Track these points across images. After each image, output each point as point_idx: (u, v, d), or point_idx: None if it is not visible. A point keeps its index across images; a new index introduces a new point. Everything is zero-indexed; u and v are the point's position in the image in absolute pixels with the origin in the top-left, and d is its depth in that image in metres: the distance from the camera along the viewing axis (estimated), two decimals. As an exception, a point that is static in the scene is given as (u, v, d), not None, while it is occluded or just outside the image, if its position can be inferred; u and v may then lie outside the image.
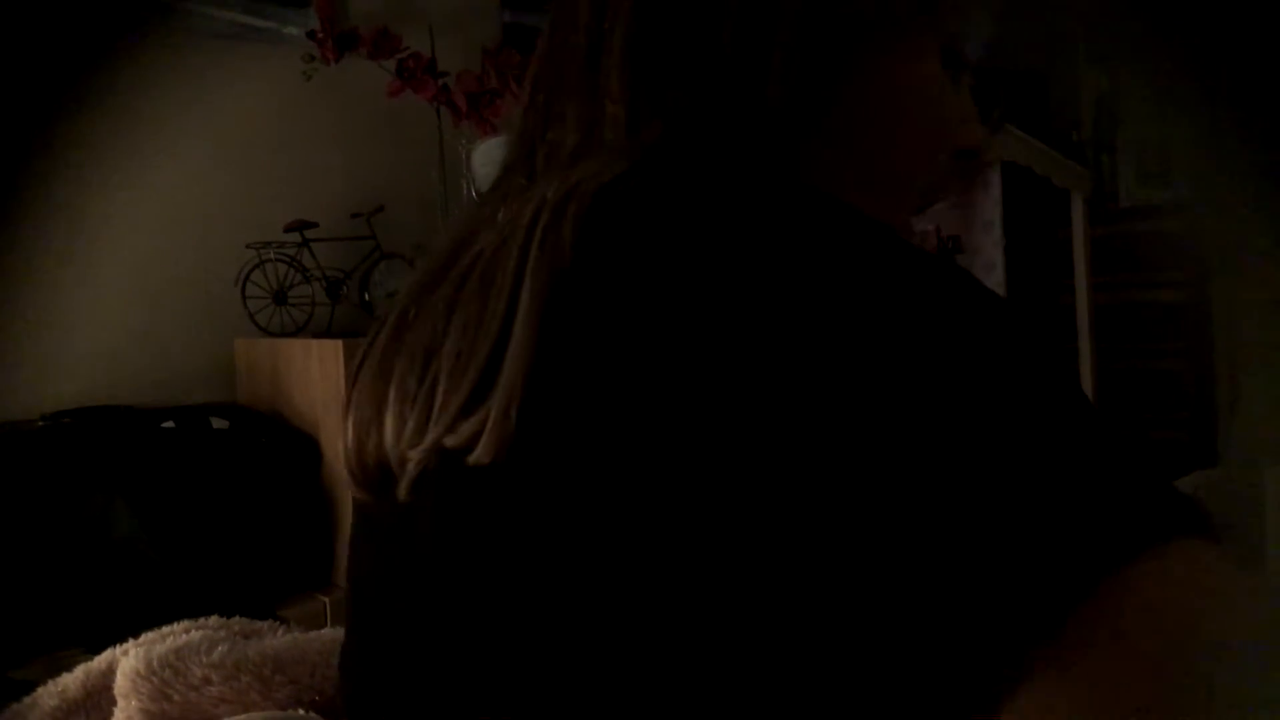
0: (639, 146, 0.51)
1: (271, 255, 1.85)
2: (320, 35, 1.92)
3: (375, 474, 0.52)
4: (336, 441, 0.61)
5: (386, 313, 0.58)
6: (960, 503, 0.38)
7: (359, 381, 0.56)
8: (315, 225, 1.88)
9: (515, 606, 0.45)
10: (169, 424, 1.65)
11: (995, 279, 2.46)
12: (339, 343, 1.64)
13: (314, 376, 1.71)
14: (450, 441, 0.46)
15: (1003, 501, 0.38)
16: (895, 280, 0.42)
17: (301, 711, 0.67)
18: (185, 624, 0.77)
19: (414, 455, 0.48)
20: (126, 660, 0.70)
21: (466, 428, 0.45)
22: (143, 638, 0.75)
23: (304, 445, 1.71)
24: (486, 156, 1.85)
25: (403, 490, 0.50)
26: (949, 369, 0.40)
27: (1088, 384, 2.60)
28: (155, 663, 0.68)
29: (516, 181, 0.56)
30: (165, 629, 0.76)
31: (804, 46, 0.53)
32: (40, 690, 0.76)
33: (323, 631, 0.78)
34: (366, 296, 1.91)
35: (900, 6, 0.57)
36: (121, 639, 0.76)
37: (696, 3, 0.53)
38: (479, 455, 0.45)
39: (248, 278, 1.84)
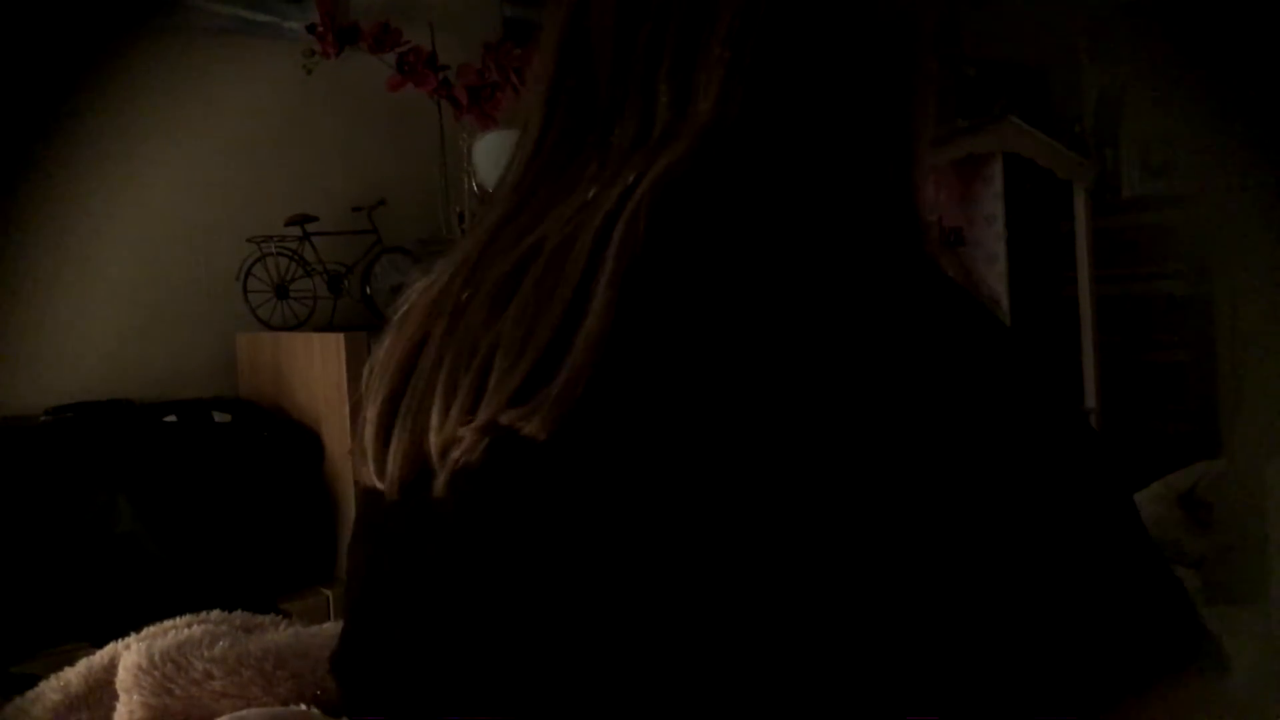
0: (705, 140, 0.51)
1: (273, 249, 1.85)
2: (321, 29, 1.92)
3: (406, 467, 0.52)
4: (338, 436, 0.61)
5: (402, 308, 0.58)
6: (1008, 580, 0.42)
7: (383, 376, 0.56)
8: (316, 219, 1.88)
9: (555, 594, 0.45)
10: (171, 418, 1.66)
11: (997, 271, 2.46)
12: (340, 336, 1.64)
13: (316, 370, 1.71)
14: (506, 418, 0.46)
15: (1052, 591, 0.42)
16: (961, 312, 0.46)
17: (303, 706, 0.67)
18: (187, 618, 0.77)
19: (464, 434, 0.48)
20: (129, 655, 0.70)
21: (526, 405, 0.46)
22: (145, 632, 0.75)
23: (306, 439, 1.71)
24: (487, 150, 1.85)
25: (440, 484, 0.49)
26: (1017, 437, 0.44)
27: (1091, 377, 2.59)
28: (157, 657, 0.69)
29: (564, 174, 0.55)
30: (167, 623, 0.76)
31: (855, 56, 0.54)
32: (43, 684, 0.76)
33: (325, 626, 0.78)
34: (368, 290, 1.91)
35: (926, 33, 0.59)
36: (124, 633, 0.76)
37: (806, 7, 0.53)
38: (534, 429, 0.45)
39: (249, 272, 1.84)
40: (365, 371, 0.59)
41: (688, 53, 0.52)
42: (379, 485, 0.55)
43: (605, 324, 0.45)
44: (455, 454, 0.49)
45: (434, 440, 0.50)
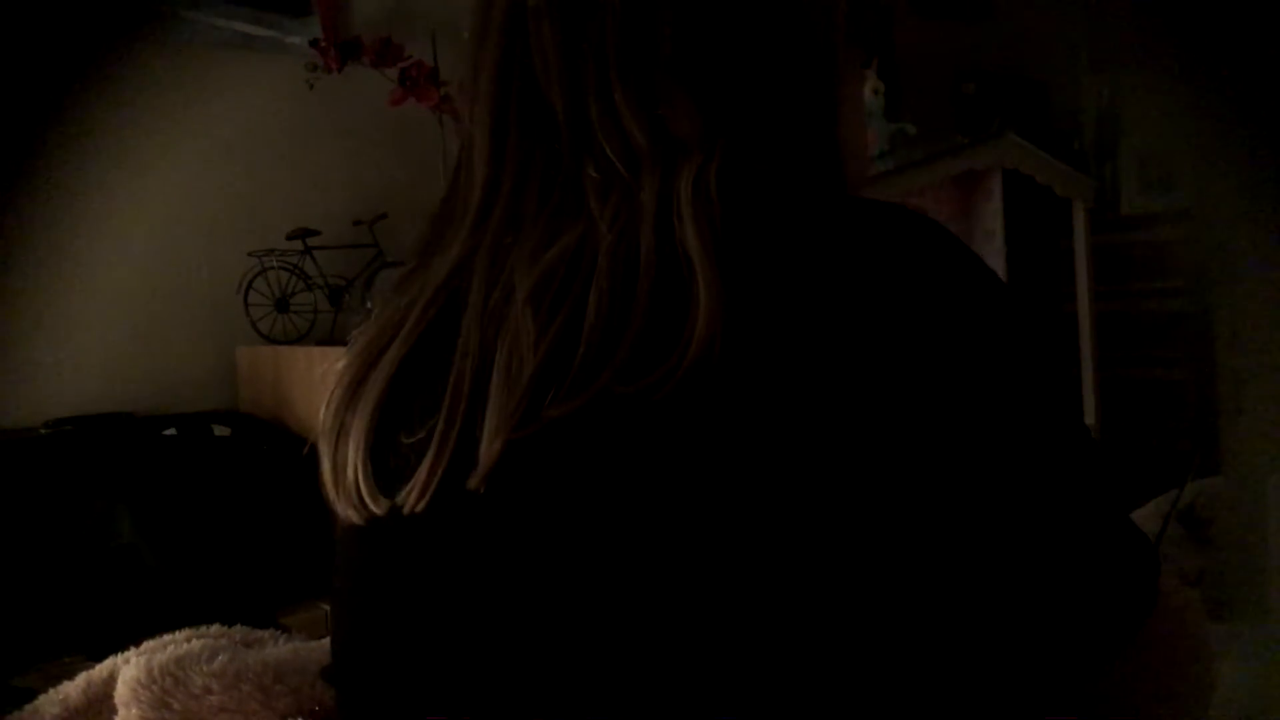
0: (708, 147, 0.55)
1: (274, 263, 1.85)
2: (323, 44, 1.93)
3: (435, 476, 0.52)
4: (324, 466, 0.60)
5: (367, 333, 0.59)
6: (1044, 522, 0.50)
7: (357, 404, 0.57)
8: (318, 233, 1.89)
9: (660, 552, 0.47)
10: (171, 431, 1.65)
11: (997, 287, 2.46)
12: (341, 350, 1.64)
13: (316, 384, 1.71)
14: (622, 388, 0.48)
15: (1077, 529, 0.51)
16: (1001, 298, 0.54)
17: (302, 720, 0.67)
18: (186, 632, 0.77)
19: (553, 413, 0.49)
20: (128, 668, 0.70)
21: (651, 375, 0.48)
22: (144, 646, 0.75)
23: (309, 454, 1.70)
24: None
25: (478, 478, 0.50)
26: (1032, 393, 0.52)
27: (1090, 393, 2.60)
28: (156, 671, 0.69)
29: (551, 194, 0.57)
30: (166, 637, 0.76)
31: (821, 63, 0.62)
32: (42, 698, 0.76)
33: (324, 641, 0.78)
34: (369, 304, 1.91)
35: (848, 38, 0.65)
36: (123, 647, 0.76)
37: (735, 13, 0.58)
38: (664, 394, 0.47)
39: (250, 285, 1.84)
40: (325, 410, 0.60)
41: (639, 66, 0.57)
42: (375, 510, 0.55)
43: (719, 298, 0.48)
44: (526, 439, 0.50)
45: (494, 430, 0.50)
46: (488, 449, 0.50)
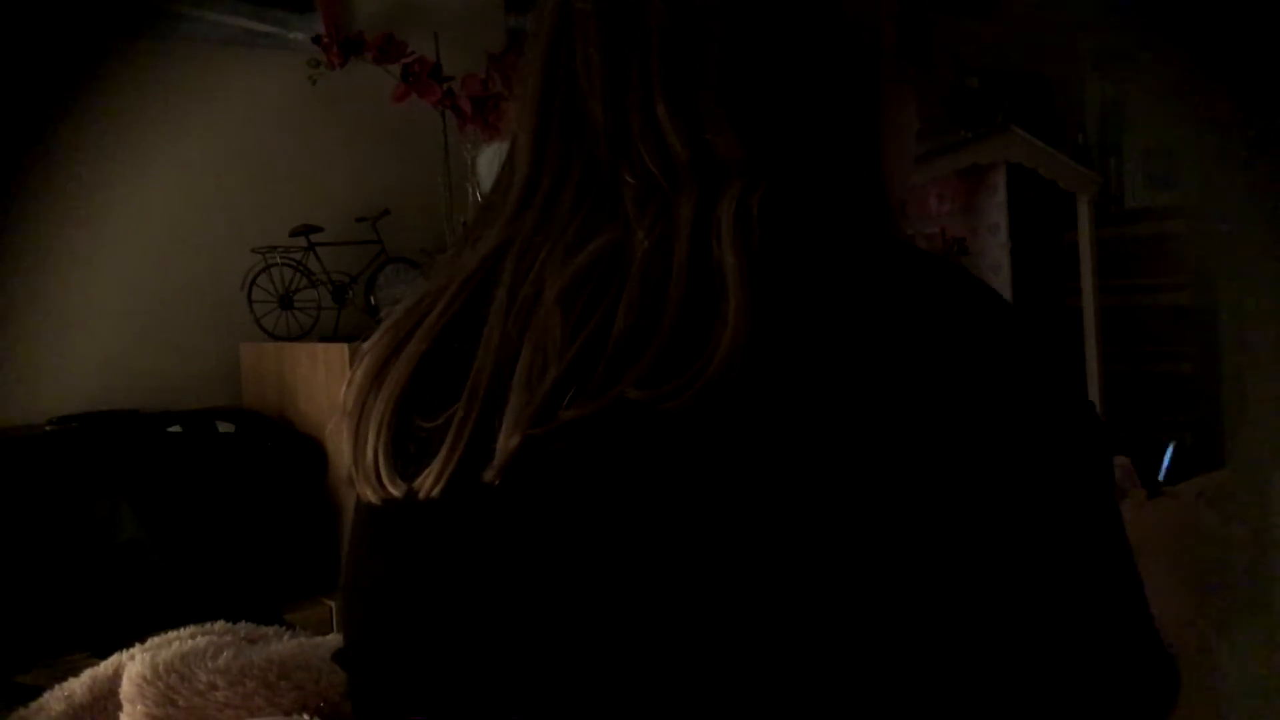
0: (751, 168, 0.55)
1: (277, 259, 1.85)
2: (325, 40, 1.93)
3: (457, 462, 0.53)
4: (343, 446, 0.61)
5: (390, 321, 0.59)
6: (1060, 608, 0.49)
7: (381, 386, 0.57)
8: (321, 230, 1.88)
9: (668, 561, 0.47)
10: (175, 428, 1.66)
11: (1001, 282, 2.45)
12: (344, 347, 1.64)
13: (320, 380, 1.71)
14: (638, 395, 0.49)
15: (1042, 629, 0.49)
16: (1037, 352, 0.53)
17: (306, 717, 0.67)
18: (191, 629, 0.77)
19: (570, 414, 0.50)
20: (132, 665, 0.70)
21: (667, 384, 0.48)
22: (149, 643, 0.75)
23: (310, 449, 1.71)
24: (491, 160, 1.85)
25: (494, 471, 0.51)
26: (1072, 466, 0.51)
27: (1094, 387, 2.59)
28: (161, 668, 0.69)
29: (586, 200, 0.58)
30: (171, 634, 0.76)
31: (867, 90, 0.61)
32: (47, 695, 0.76)
33: (329, 637, 0.78)
34: (372, 300, 1.91)
35: (900, 52, 0.65)
36: (128, 644, 0.76)
37: (781, 38, 0.58)
38: (678, 405, 0.48)
39: (254, 282, 1.84)
40: (350, 385, 0.60)
41: (682, 84, 0.57)
42: (393, 492, 0.55)
43: (747, 319, 0.49)
44: (543, 436, 0.50)
45: (512, 426, 0.51)
46: (504, 443, 0.51)
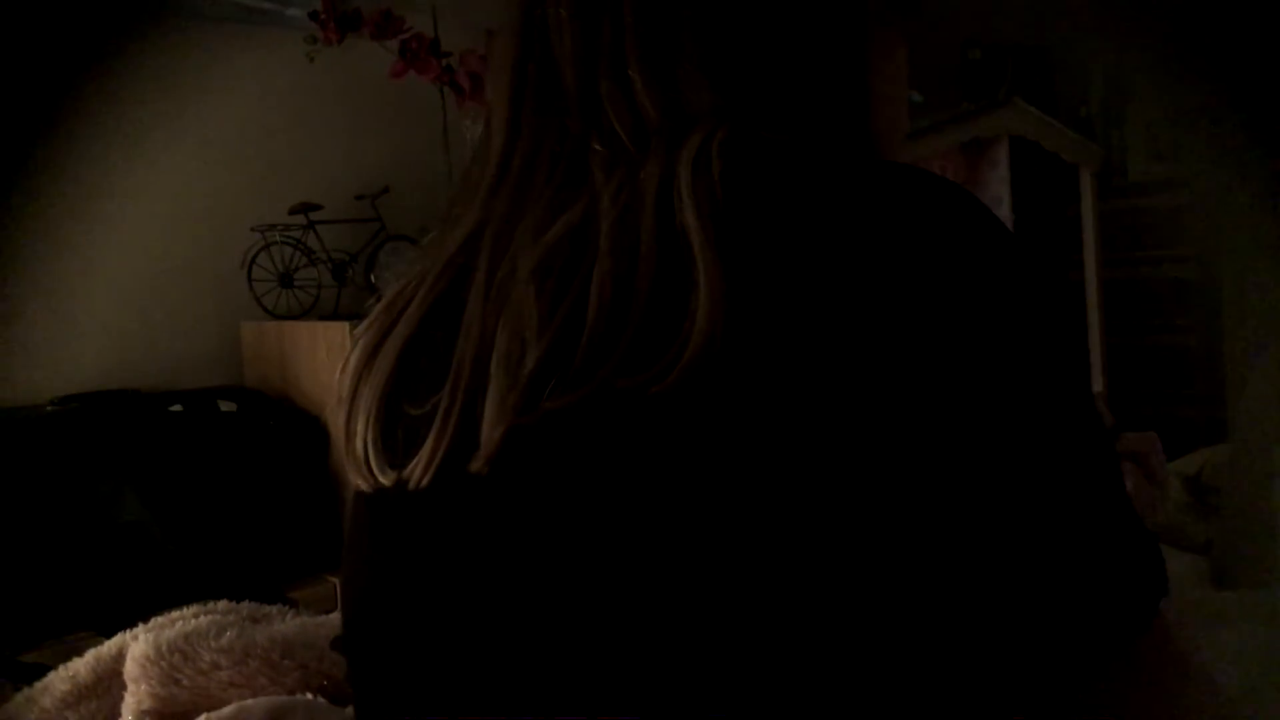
0: (718, 123, 0.53)
1: (277, 238, 1.84)
2: (323, 17, 1.91)
3: (445, 450, 0.52)
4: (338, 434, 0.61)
5: (380, 308, 0.59)
6: (1050, 517, 0.49)
7: (371, 373, 0.57)
8: (320, 208, 1.88)
9: (658, 549, 0.46)
10: (177, 408, 1.66)
11: (1003, 256, 2.44)
12: (345, 325, 1.64)
13: (321, 359, 1.71)
14: (625, 381, 0.47)
15: (1085, 528, 0.49)
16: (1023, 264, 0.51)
17: (310, 696, 0.67)
18: (194, 608, 0.77)
19: (553, 405, 0.48)
20: (136, 645, 0.71)
21: (651, 368, 0.47)
22: (152, 622, 0.75)
23: (311, 428, 1.71)
24: (491, 137, 1.84)
25: (481, 461, 0.50)
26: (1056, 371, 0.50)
27: (1097, 361, 2.59)
28: (164, 647, 0.69)
29: (555, 168, 0.57)
30: (174, 613, 0.76)
31: (843, 28, 0.59)
32: (52, 675, 0.76)
33: (331, 616, 0.78)
34: (372, 278, 1.90)
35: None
36: (131, 623, 0.77)
37: None
38: (665, 387, 0.46)
39: (254, 261, 1.84)
40: (343, 374, 0.60)
41: (656, 44, 0.55)
42: (383, 481, 0.55)
43: (720, 285, 0.47)
44: (529, 426, 0.49)
45: (495, 416, 0.50)
46: (489, 434, 0.50)
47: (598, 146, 0.55)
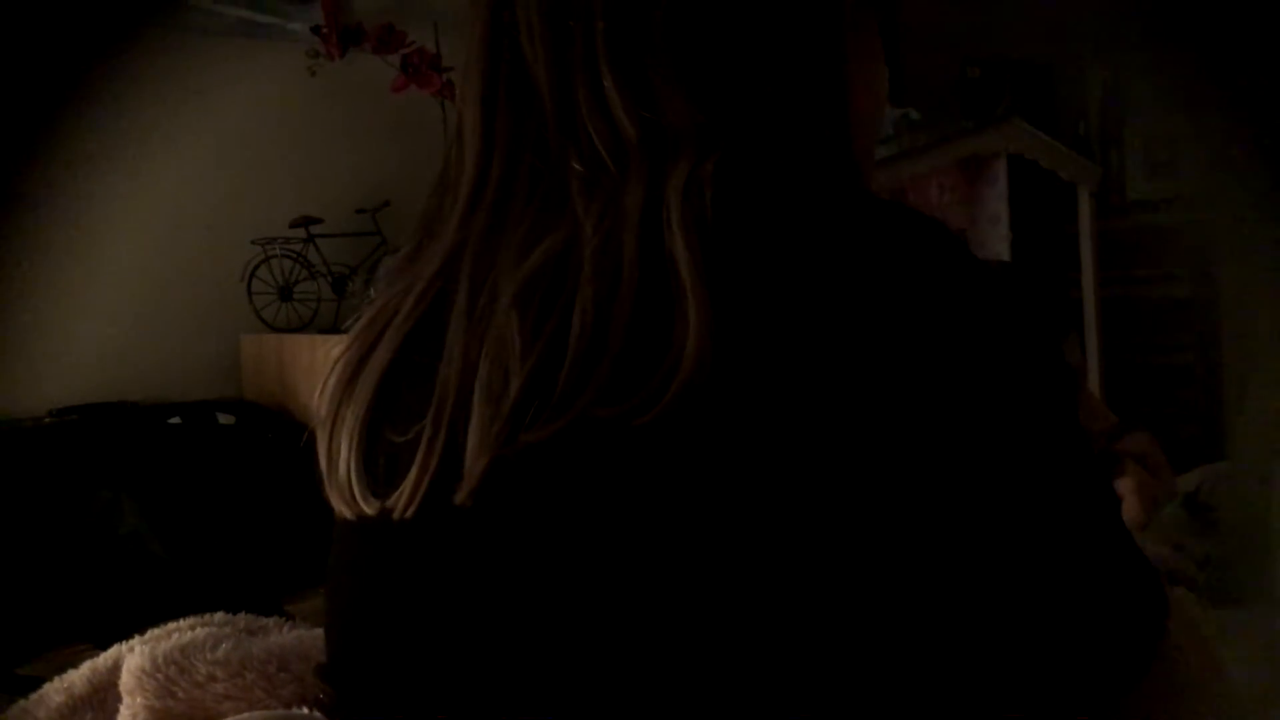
0: (703, 144, 0.52)
1: (277, 251, 1.85)
2: (324, 31, 1.92)
3: (430, 479, 0.51)
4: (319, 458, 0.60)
5: (356, 333, 0.58)
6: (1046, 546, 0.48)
7: (351, 400, 0.56)
8: (320, 221, 1.88)
9: (649, 579, 0.46)
10: (175, 420, 1.66)
11: (1002, 273, 2.45)
12: (344, 338, 1.64)
13: (320, 372, 1.70)
14: (607, 411, 0.46)
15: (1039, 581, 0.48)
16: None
17: (306, 709, 0.67)
18: (191, 620, 0.77)
19: (532, 437, 0.48)
20: (132, 657, 0.70)
21: (633, 397, 0.46)
22: (148, 634, 0.75)
23: (310, 440, 1.71)
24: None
25: (464, 494, 0.49)
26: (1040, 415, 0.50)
27: (1095, 379, 2.59)
28: (160, 660, 0.68)
29: (533, 192, 0.55)
30: (171, 625, 0.76)
31: (821, 38, 0.58)
32: (47, 686, 0.76)
33: (328, 629, 0.78)
34: (372, 292, 1.90)
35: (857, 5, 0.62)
36: (127, 635, 0.76)
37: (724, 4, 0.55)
38: (649, 419, 0.46)
39: (253, 274, 1.84)
40: (322, 395, 0.59)
41: (628, 47, 0.53)
42: (367, 510, 0.54)
43: (708, 316, 0.46)
44: (512, 456, 0.48)
45: (477, 447, 0.49)
46: (472, 465, 0.49)
47: (577, 166, 0.54)
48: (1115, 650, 0.49)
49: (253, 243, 1.84)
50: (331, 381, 0.59)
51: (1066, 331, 0.96)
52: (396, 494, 0.53)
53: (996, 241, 2.49)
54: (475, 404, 0.50)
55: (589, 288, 0.49)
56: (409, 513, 0.52)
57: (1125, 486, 0.85)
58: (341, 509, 0.57)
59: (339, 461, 0.56)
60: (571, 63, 0.54)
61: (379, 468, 0.55)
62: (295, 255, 1.85)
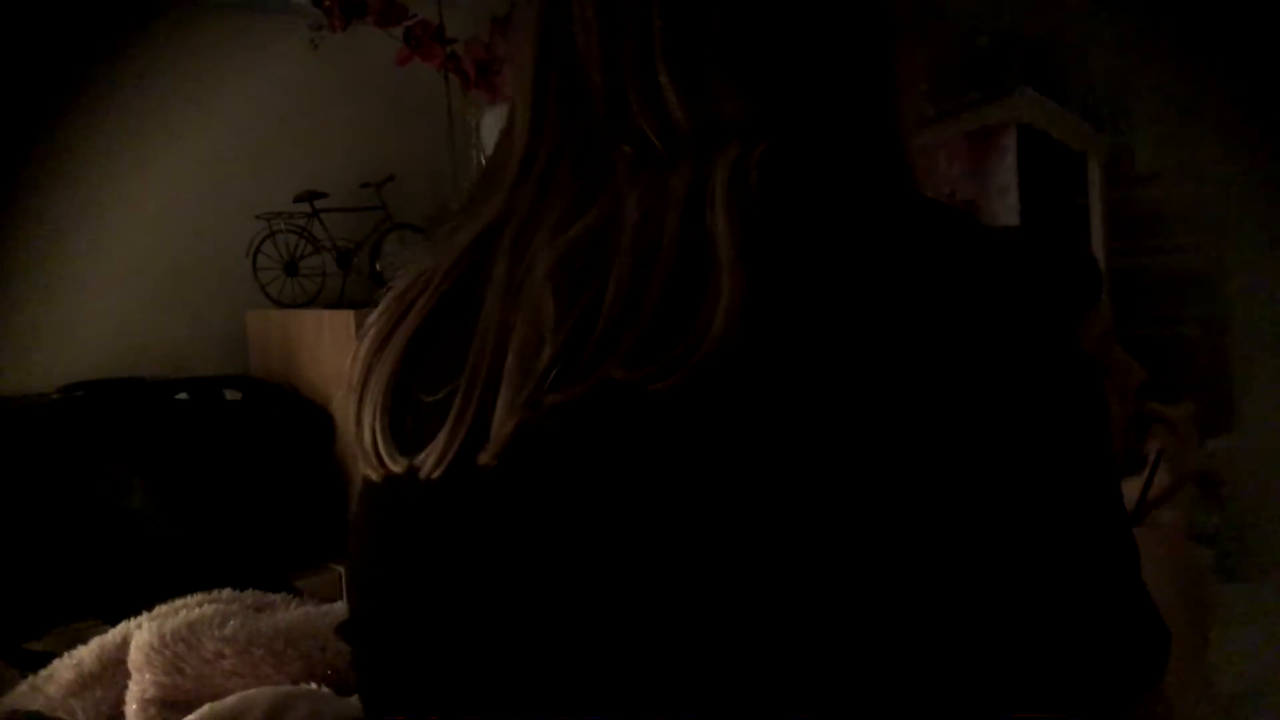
0: (751, 133, 0.53)
1: (282, 226, 1.84)
2: (327, 3, 1.90)
3: (458, 443, 0.52)
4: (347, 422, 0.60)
5: (390, 298, 0.59)
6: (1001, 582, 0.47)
7: (380, 362, 0.56)
8: (325, 195, 1.87)
9: (665, 545, 0.46)
10: (182, 396, 1.66)
11: (1010, 245, 2.44)
12: (350, 313, 1.64)
13: (326, 347, 1.71)
14: (626, 375, 0.47)
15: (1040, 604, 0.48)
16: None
17: (313, 685, 0.67)
18: (199, 597, 0.77)
19: (553, 399, 0.49)
20: (140, 634, 0.71)
21: (656, 363, 0.47)
22: (156, 611, 0.75)
23: (317, 416, 1.71)
24: (495, 124, 1.83)
25: (489, 455, 0.50)
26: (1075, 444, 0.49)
27: (1103, 351, 2.58)
28: (168, 636, 0.69)
29: (579, 168, 0.56)
30: (179, 602, 0.77)
31: (875, 35, 0.59)
32: (56, 663, 0.76)
33: (335, 605, 0.78)
34: (377, 267, 1.90)
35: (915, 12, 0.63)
36: (135, 611, 0.77)
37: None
38: (669, 385, 0.46)
39: (259, 249, 1.83)
40: (353, 362, 0.59)
41: (683, 44, 0.55)
42: (394, 469, 0.55)
43: (741, 293, 0.47)
44: (539, 418, 0.49)
45: (506, 409, 0.50)
46: (499, 428, 0.50)
47: (627, 149, 0.55)
48: (1106, 685, 0.49)
49: (257, 218, 1.83)
50: (362, 348, 0.59)
51: (1098, 297, 0.96)
52: (425, 453, 0.53)
53: (1006, 213, 2.47)
54: (508, 368, 0.51)
55: (626, 259, 0.50)
56: (437, 473, 0.53)
57: (1151, 448, 0.87)
58: (367, 470, 0.58)
59: (365, 423, 0.57)
60: (625, 56, 0.55)
61: (406, 428, 0.56)
62: (300, 230, 1.85)
